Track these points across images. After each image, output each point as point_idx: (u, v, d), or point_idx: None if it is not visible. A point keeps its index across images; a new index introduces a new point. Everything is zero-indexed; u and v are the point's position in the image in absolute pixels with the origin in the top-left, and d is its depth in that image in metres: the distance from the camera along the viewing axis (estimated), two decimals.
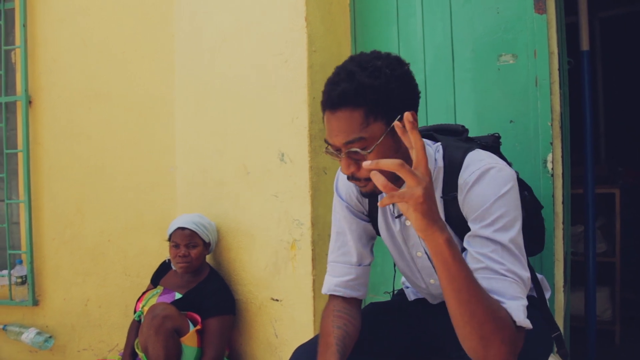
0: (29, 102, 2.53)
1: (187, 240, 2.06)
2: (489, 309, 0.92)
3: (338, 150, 1.07)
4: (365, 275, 1.33)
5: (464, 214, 1.10)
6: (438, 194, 1.16)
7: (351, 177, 1.08)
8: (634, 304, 3.25)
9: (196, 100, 2.33)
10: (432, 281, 1.30)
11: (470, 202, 1.07)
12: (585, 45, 2.30)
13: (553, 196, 1.59)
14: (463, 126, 1.35)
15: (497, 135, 1.38)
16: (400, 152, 1.07)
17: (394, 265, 1.54)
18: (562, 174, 1.61)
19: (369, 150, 1.03)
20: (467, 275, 0.91)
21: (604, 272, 2.90)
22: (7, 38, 2.61)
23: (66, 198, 2.53)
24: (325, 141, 1.09)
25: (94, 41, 2.53)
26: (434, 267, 1.24)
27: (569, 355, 1.35)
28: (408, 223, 1.22)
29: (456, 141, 1.23)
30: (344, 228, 1.32)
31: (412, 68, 1.12)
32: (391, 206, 1.23)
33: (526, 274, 1.01)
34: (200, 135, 2.32)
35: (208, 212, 2.25)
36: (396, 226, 1.25)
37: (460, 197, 1.10)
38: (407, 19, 1.92)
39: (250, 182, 2.10)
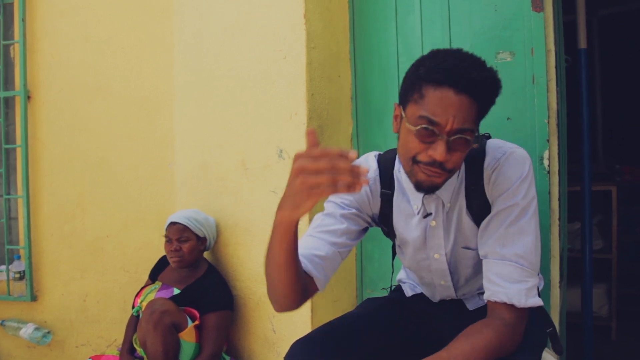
0: (28, 97, 2.52)
1: (178, 235, 2.07)
2: (489, 353, 1.02)
3: (440, 132, 1.00)
4: (334, 262, 1.22)
5: (489, 196, 1.15)
6: (462, 185, 1.20)
7: (437, 165, 1.03)
8: (631, 301, 3.27)
9: (196, 96, 2.33)
10: (442, 282, 1.31)
11: (497, 185, 1.13)
12: (582, 43, 2.30)
13: (549, 193, 1.59)
14: None
15: (487, 135, 1.40)
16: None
17: (392, 261, 1.55)
18: (559, 171, 1.62)
19: (473, 144, 1.04)
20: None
21: (601, 268, 2.92)
22: (6, 33, 2.61)
23: (65, 193, 2.53)
24: (424, 117, 1.01)
25: (94, 36, 2.52)
26: (449, 270, 1.27)
27: (564, 350, 1.36)
28: (433, 224, 1.23)
29: None
30: (336, 214, 1.26)
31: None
32: (418, 204, 1.22)
33: (535, 258, 1.10)
34: (199, 130, 2.32)
35: (207, 207, 2.25)
36: (420, 225, 1.25)
37: (486, 182, 1.15)
38: (405, 16, 1.92)
39: (249, 178, 2.10)
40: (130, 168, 2.50)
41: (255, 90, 2.06)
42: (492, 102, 1.08)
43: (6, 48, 2.61)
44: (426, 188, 1.09)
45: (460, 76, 0.99)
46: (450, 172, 1.07)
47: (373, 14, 2.02)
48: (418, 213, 1.23)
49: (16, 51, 2.57)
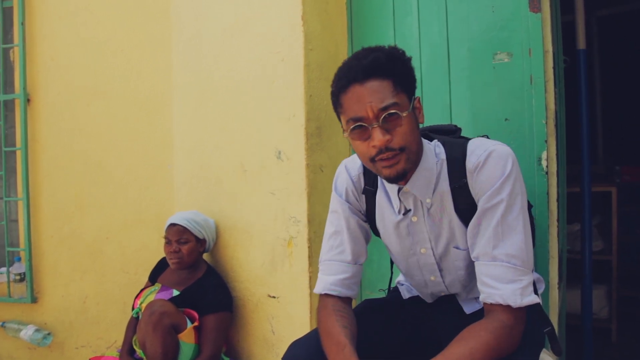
0: (28, 100, 2.53)
1: (177, 237, 2.07)
2: (487, 356, 1.02)
3: (369, 122, 1.07)
4: (359, 274, 1.33)
5: (474, 195, 1.16)
6: (446, 185, 1.20)
7: (384, 150, 1.08)
8: (631, 302, 3.26)
9: (195, 97, 2.34)
10: (432, 278, 1.32)
11: (480, 182, 1.13)
12: (581, 44, 2.30)
13: (547, 194, 1.59)
14: (456, 125, 1.39)
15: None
16: (417, 130, 1.14)
17: (391, 264, 1.55)
18: (557, 171, 1.62)
19: (404, 114, 1.07)
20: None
21: (601, 270, 2.92)
22: (6, 36, 2.62)
23: (65, 195, 2.54)
24: (350, 120, 1.09)
25: (92, 38, 2.54)
26: (437, 264, 1.27)
27: (563, 351, 1.35)
28: (415, 219, 1.25)
29: (452, 138, 1.28)
30: (341, 227, 1.32)
31: None
32: (397, 202, 1.25)
33: (527, 256, 1.09)
34: (198, 131, 2.32)
35: (205, 209, 2.26)
36: (402, 222, 1.27)
37: (470, 181, 1.16)
38: (403, 17, 1.92)
39: (247, 180, 2.11)
40: (130, 169, 2.51)
41: (253, 91, 2.07)
42: (407, 72, 1.12)
43: (6, 51, 2.62)
44: (395, 177, 1.13)
45: (356, 69, 1.07)
46: (402, 151, 1.10)
47: (371, 16, 2.02)
48: (399, 213, 1.26)
49: (16, 54, 2.58)
